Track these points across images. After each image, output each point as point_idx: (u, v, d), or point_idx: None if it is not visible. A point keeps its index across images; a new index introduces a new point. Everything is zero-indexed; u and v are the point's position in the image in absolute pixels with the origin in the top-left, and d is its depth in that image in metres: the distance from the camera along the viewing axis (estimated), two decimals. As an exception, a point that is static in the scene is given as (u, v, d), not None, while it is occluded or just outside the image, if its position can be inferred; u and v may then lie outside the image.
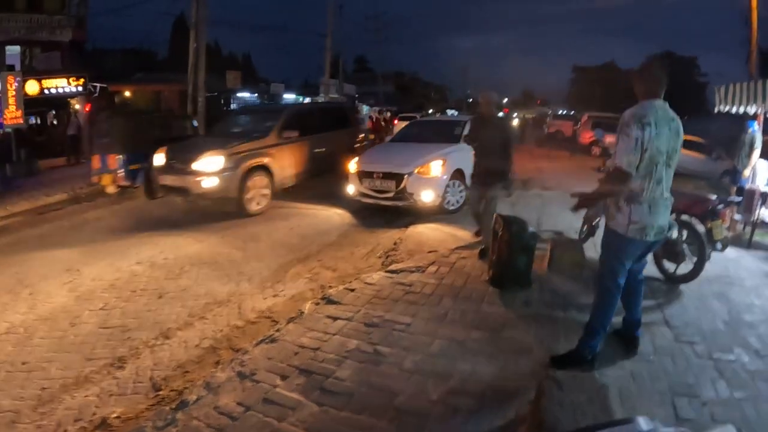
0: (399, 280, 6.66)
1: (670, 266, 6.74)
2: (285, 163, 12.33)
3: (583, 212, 7.37)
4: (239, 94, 37.47)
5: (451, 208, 10.93)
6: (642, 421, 1.03)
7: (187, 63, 20.93)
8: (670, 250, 6.64)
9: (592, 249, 7.27)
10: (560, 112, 52.26)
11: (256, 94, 40.99)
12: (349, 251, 8.74)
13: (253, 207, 11.40)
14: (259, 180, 11.58)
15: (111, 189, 14.28)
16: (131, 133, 14.29)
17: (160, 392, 4.60)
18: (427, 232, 9.62)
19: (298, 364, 4.64)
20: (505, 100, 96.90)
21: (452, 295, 6.17)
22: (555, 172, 18.26)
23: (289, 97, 46.20)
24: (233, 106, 36.10)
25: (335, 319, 5.57)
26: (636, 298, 4.86)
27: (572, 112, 48.97)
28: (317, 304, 6.04)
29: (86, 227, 11.23)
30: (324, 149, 13.60)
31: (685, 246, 6.69)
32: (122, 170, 13.83)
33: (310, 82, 50.44)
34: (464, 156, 10.08)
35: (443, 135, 12.18)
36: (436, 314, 5.62)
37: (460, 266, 7.23)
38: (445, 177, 10.70)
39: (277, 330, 5.41)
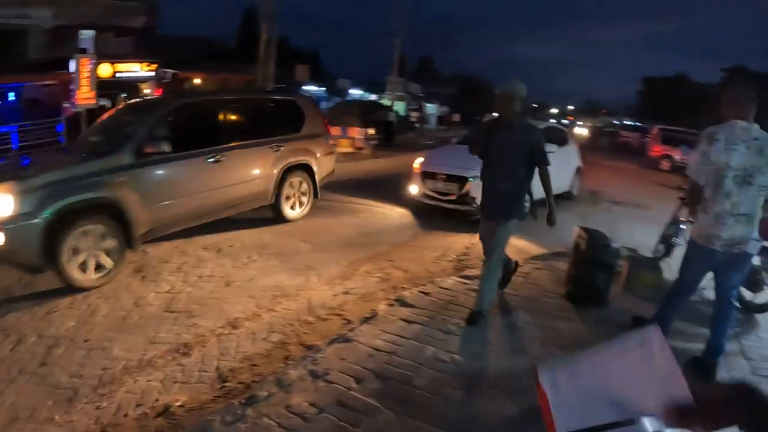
0: (473, 287, 6.38)
1: (748, 294, 6.41)
2: (148, 199, 7.20)
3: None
4: (305, 88, 37.66)
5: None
6: (647, 422, 0.82)
7: (255, 54, 21.14)
8: (749, 278, 6.17)
9: (668, 269, 6.91)
10: (626, 123, 51.13)
11: (324, 88, 41.17)
12: (418, 253, 8.49)
13: (78, 276, 6.37)
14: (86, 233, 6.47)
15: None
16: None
17: (227, 384, 4.42)
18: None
19: (372, 367, 4.49)
20: (571, 108, 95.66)
21: (526, 307, 6.04)
22: (624, 186, 17.74)
23: (356, 92, 46.37)
24: (299, 98, 36.14)
25: (410, 322, 5.45)
26: (719, 323, 4.82)
27: (639, 124, 47.88)
28: (391, 305, 5.89)
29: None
30: (237, 173, 8.67)
31: (765, 274, 6.36)
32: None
33: (376, 80, 50.38)
34: None
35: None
36: (511, 327, 5.55)
37: (534, 277, 7.13)
38: None
39: (351, 330, 5.25)
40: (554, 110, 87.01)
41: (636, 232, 9.54)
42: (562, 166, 11.73)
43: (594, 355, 1.01)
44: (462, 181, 10.17)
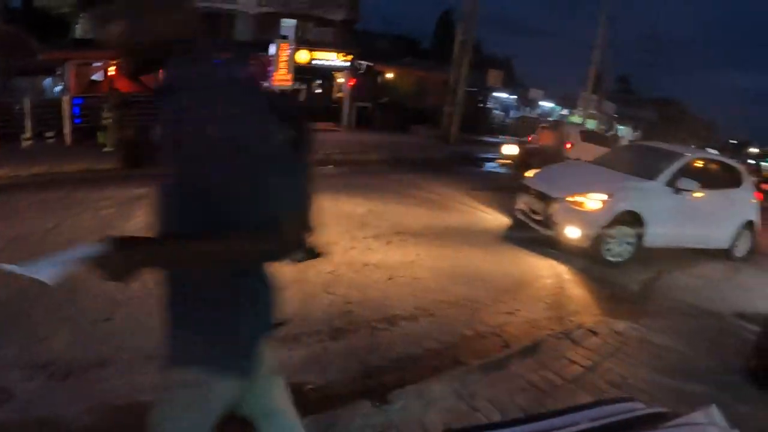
0: (647, 337, 5.86)
1: None
2: None
3: None
4: (496, 94, 37.36)
5: (612, 259, 8.92)
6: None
7: (449, 55, 21.14)
8: None
9: None
10: None
11: (515, 97, 40.68)
12: (591, 286, 7.91)
13: None
14: None
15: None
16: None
17: (369, 380, 4.30)
18: (693, 283, 8.66)
19: (523, 403, 4.10)
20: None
21: (703, 377, 5.15)
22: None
23: (547, 105, 45.40)
24: (489, 104, 36.02)
25: (573, 362, 4.96)
26: None
27: None
28: (557, 338, 5.44)
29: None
30: None
31: None
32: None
33: (570, 94, 49.12)
34: (648, 197, 9.15)
35: (646, 166, 10.02)
36: (680, 394, 4.72)
37: (715, 342, 6.19)
38: (603, 215, 8.75)
39: (508, 356, 4.90)
40: (755, 149, 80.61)
41: None
42: (723, 214, 10.43)
43: None
44: (548, 201, 9.26)
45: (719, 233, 10.52)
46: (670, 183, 9.25)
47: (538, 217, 9.40)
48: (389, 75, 29.90)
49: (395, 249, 7.81)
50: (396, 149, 19.53)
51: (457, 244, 8.70)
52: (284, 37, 22.87)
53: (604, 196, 8.83)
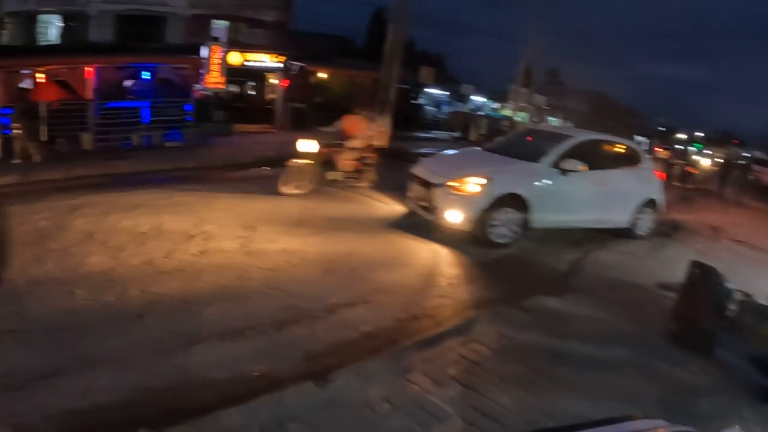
0: (573, 311, 6.34)
1: None
2: None
3: None
4: (428, 90, 37.82)
5: (498, 240, 8.89)
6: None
7: (383, 53, 21.35)
8: None
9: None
10: (758, 156, 47.59)
11: (448, 93, 41.23)
12: (521, 268, 8.39)
13: None
14: None
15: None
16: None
17: (312, 364, 4.50)
18: (618, 259, 9.22)
19: (455, 374, 4.41)
20: (700, 134, 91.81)
21: (626, 341, 5.70)
22: (750, 226, 16.62)
23: (479, 99, 46.16)
24: (421, 100, 36.45)
25: (503, 336, 5.30)
26: None
27: None
28: (488, 316, 5.77)
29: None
30: None
31: None
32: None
33: (501, 88, 50.06)
34: (532, 179, 9.17)
35: (534, 150, 9.96)
36: (608, 361, 5.21)
37: (638, 309, 6.78)
38: (482, 199, 8.64)
39: (441, 334, 5.19)
40: (682, 135, 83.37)
41: (755, 274, 8.85)
42: (618, 193, 10.48)
43: None
44: (431, 187, 9.13)
45: (616, 212, 10.59)
46: (555, 164, 9.29)
47: (424, 204, 9.33)
48: (322, 75, 29.98)
49: (332, 243, 8.00)
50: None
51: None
52: (216, 39, 22.81)
53: (482, 180, 8.77)
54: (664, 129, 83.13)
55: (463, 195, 8.73)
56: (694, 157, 39.53)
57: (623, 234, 10.68)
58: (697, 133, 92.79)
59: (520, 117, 35.24)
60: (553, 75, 76.53)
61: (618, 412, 4.08)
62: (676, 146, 36.64)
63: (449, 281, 7.15)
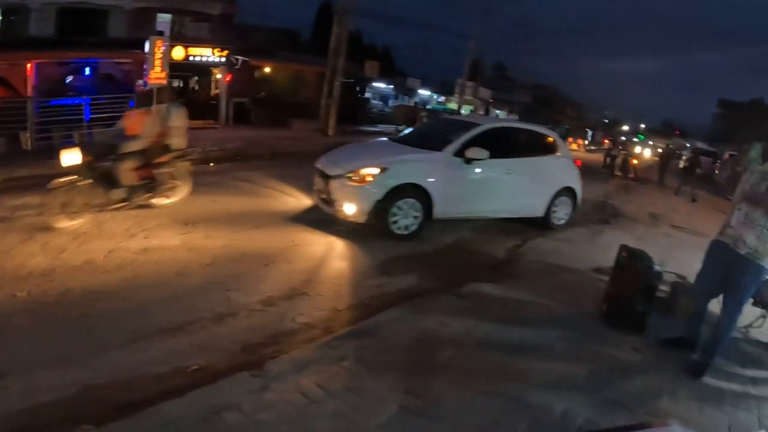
0: (511, 296, 6.61)
1: None
2: None
3: None
4: (375, 84, 37.99)
5: (399, 232, 8.72)
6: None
7: (329, 47, 21.39)
8: None
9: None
10: (698, 146, 49.03)
11: (392, 86, 41.45)
12: (459, 257, 8.64)
13: None
14: None
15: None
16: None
17: (249, 355, 4.63)
18: (556, 246, 9.55)
19: (389, 360, 4.61)
20: (642, 126, 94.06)
21: (559, 322, 5.98)
22: (688, 212, 17.24)
23: (425, 93, 46.44)
24: (368, 94, 36.53)
25: (440, 323, 5.50)
26: None
27: (712, 149, 46.04)
28: (424, 304, 5.96)
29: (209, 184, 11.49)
30: None
31: None
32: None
33: (448, 82, 50.47)
34: (432, 169, 8.92)
35: (439, 139, 9.66)
36: (539, 343, 5.44)
37: (574, 293, 7.11)
38: (376, 189, 8.43)
39: (376, 322, 5.36)
40: (626, 127, 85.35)
41: (693, 258, 9.22)
42: (531, 182, 10.29)
43: None
44: (327, 179, 8.90)
45: (530, 201, 10.45)
46: (459, 153, 9.07)
47: (324, 197, 9.06)
48: (267, 69, 29.87)
49: (273, 237, 8.11)
50: (271, 144, 19.50)
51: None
52: (160, 33, 22.55)
53: (376, 170, 8.51)
54: (607, 121, 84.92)
55: (358, 186, 8.48)
56: (637, 149, 40.47)
57: (539, 223, 10.67)
58: (641, 125, 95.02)
59: (465, 110, 35.68)
60: (500, 69, 77.49)
61: (546, 392, 4.36)
62: (622, 138, 37.38)
63: (383, 273, 7.27)
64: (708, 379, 5.12)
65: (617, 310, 6.07)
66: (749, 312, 6.61)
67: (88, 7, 25.36)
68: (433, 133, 10.76)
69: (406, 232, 8.77)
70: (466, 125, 9.97)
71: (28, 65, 21.27)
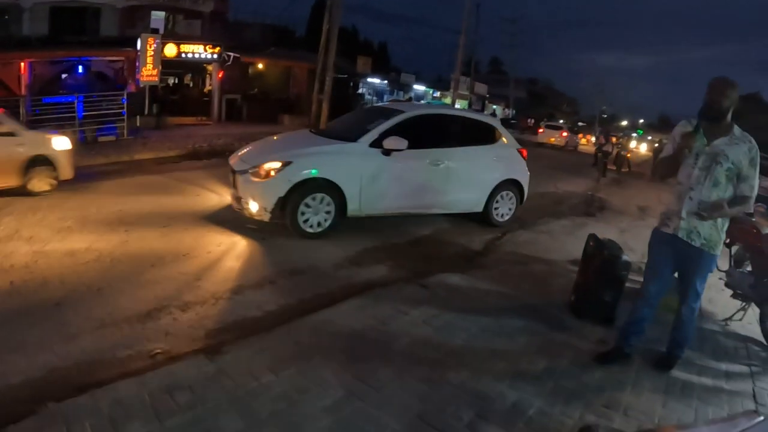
0: (476, 285, 6.64)
1: None
2: None
3: None
4: (370, 80, 38.06)
5: (310, 230, 8.08)
6: None
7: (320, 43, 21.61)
8: None
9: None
10: None
11: (387, 82, 41.50)
12: (434, 248, 8.69)
13: None
14: None
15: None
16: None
17: (210, 340, 4.77)
18: (534, 237, 9.61)
19: (343, 345, 4.75)
20: (641, 121, 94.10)
21: (525, 313, 5.96)
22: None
23: (420, 88, 46.50)
24: (362, 90, 36.64)
25: (400, 312, 5.58)
26: None
27: None
28: (385, 293, 6.09)
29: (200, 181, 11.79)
30: None
31: None
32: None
33: (443, 78, 50.55)
34: (345, 161, 8.28)
35: (357, 129, 8.87)
36: (501, 332, 5.43)
37: (545, 284, 7.15)
38: (279, 185, 7.77)
39: (337, 309, 5.55)
40: (624, 122, 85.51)
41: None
42: (465, 175, 9.52)
43: None
44: (234, 176, 8.37)
45: (465, 196, 9.62)
46: (376, 144, 8.35)
47: (234, 194, 8.46)
48: (259, 66, 30.01)
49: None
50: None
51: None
52: (155, 30, 22.69)
53: (277, 165, 7.84)
54: (606, 116, 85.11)
55: (260, 182, 7.85)
56: (632, 144, 40.56)
57: (479, 220, 10.07)
58: (640, 120, 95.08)
59: (460, 105, 35.79)
60: (496, 64, 77.69)
61: (500, 381, 4.35)
62: (621, 133, 37.31)
63: (354, 264, 7.41)
64: (677, 372, 4.93)
65: (584, 300, 6.00)
66: (729, 304, 6.66)
67: (81, 5, 25.53)
68: (355, 123, 9.61)
69: (317, 230, 8.13)
70: (388, 112, 9.20)
71: (22, 64, 21.50)
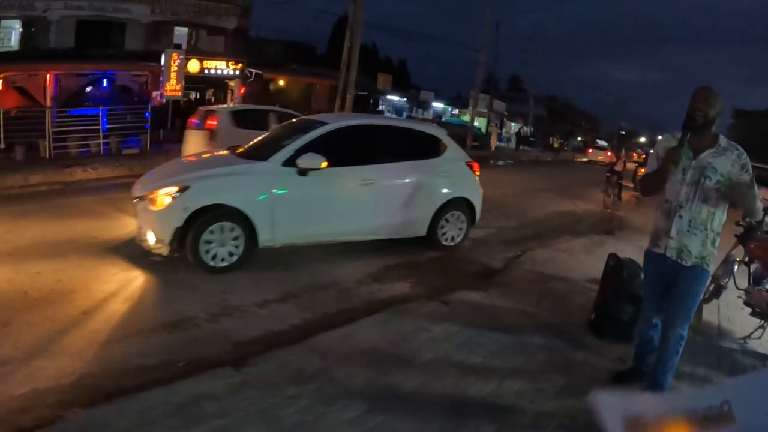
0: (495, 303, 6.62)
1: None
2: None
3: None
4: (389, 97, 38.32)
5: (217, 264, 6.87)
6: None
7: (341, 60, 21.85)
8: None
9: (709, 311, 6.47)
10: None
11: (405, 99, 41.77)
12: (456, 265, 8.67)
13: None
14: None
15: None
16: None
17: (236, 353, 4.80)
18: (554, 256, 9.46)
19: (367, 360, 4.76)
20: (659, 137, 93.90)
21: (544, 331, 5.92)
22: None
23: (438, 105, 46.70)
24: (381, 107, 36.86)
25: (420, 328, 5.60)
26: None
27: None
28: (408, 310, 6.12)
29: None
30: None
31: None
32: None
33: (462, 95, 50.71)
34: (251, 184, 7.18)
35: (273, 146, 7.79)
36: (520, 349, 5.43)
37: (565, 302, 7.09)
38: (174, 214, 6.63)
39: (360, 324, 5.56)
40: (642, 138, 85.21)
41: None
42: (402, 194, 8.39)
43: None
44: (133, 201, 7.34)
45: (403, 219, 8.44)
46: (290, 162, 7.19)
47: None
48: (281, 82, 30.30)
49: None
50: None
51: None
52: (178, 46, 23.00)
53: (173, 189, 6.76)
54: (624, 132, 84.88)
55: (156, 211, 6.76)
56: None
57: (424, 243, 8.90)
58: (659, 137, 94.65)
59: (479, 123, 35.91)
60: (515, 81, 77.73)
61: (522, 396, 4.39)
62: (638, 149, 37.14)
63: (375, 280, 7.44)
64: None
65: (603, 319, 5.97)
66: (748, 323, 6.59)
67: (106, 20, 25.98)
68: (272, 140, 8.37)
69: (226, 264, 6.94)
70: (308, 125, 8.13)
71: (48, 76, 21.91)
